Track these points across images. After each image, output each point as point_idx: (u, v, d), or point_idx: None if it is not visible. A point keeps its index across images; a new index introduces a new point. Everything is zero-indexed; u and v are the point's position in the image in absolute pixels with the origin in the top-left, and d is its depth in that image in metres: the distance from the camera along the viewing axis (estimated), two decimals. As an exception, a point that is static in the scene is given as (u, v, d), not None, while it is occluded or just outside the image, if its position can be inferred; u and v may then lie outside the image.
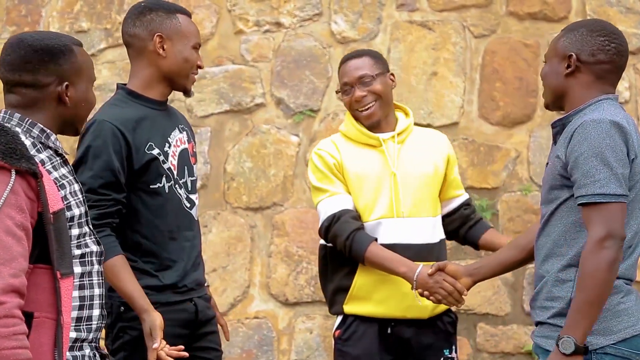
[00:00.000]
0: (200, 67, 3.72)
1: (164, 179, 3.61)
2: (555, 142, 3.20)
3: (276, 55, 5.59)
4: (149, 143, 3.60)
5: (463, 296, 3.77)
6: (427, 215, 3.96)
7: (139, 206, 3.59)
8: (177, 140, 3.71)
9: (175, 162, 3.67)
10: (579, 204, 3.03)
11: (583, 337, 2.98)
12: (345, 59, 4.06)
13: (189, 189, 3.71)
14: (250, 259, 5.52)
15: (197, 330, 3.71)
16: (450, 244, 5.41)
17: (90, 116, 3.10)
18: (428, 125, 5.30)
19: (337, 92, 4.11)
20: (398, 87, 5.37)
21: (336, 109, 5.50)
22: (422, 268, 3.78)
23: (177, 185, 3.66)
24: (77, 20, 5.81)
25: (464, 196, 4.12)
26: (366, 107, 3.95)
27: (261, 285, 5.50)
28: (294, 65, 5.56)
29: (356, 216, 3.90)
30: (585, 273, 2.98)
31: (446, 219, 4.09)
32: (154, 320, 3.43)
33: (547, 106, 3.30)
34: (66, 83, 2.78)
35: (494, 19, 5.43)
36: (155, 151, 3.60)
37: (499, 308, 5.29)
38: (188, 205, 3.70)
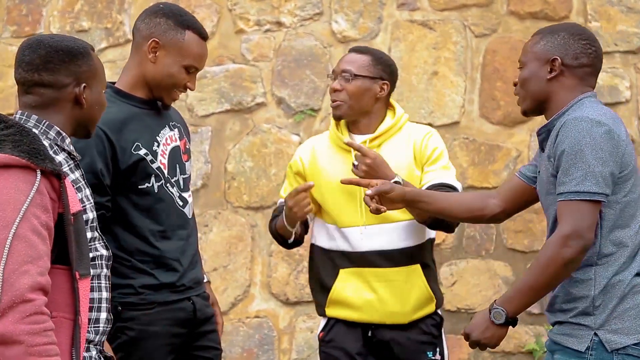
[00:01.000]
0: (189, 88, 3.65)
1: (153, 179, 3.57)
2: (542, 149, 3.19)
3: (277, 55, 5.59)
4: (136, 143, 3.55)
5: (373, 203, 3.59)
6: (404, 218, 3.91)
7: (128, 207, 3.55)
8: (167, 138, 3.66)
9: (165, 161, 3.62)
10: (557, 202, 3.04)
11: (514, 314, 3.08)
12: (350, 50, 4.07)
13: (182, 187, 3.68)
14: (251, 258, 5.52)
15: (195, 328, 3.69)
16: (449, 243, 5.41)
17: None
18: (428, 125, 5.29)
19: (327, 75, 4.19)
20: (399, 86, 5.38)
21: (337, 109, 5.50)
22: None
23: (168, 184, 3.62)
24: (78, 19, 5.81)
25: (430, 183, 3.92)
26: (335, 100, 3.95)
27: (262, 285, 5.50)
28: (294, 65, 5.56)
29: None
30: (541, 261, 3.01)
31: None
32: None
33: (525, 112, 3.24)
34: (84, 84, 2.80)
35: (494, 19, 5.43)
36: (142, 151, 3.56)
37: (499, 307, 5.30)
38: (181, 203, 3.66)
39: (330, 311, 3.97)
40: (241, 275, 5.51)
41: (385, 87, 3.97)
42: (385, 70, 4.00)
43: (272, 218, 4.10)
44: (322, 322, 4.04)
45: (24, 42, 2.85)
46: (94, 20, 5.79)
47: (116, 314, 3.55)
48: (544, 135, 3.16)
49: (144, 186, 3.56)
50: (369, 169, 3.81)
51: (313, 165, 4.00)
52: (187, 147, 3.76)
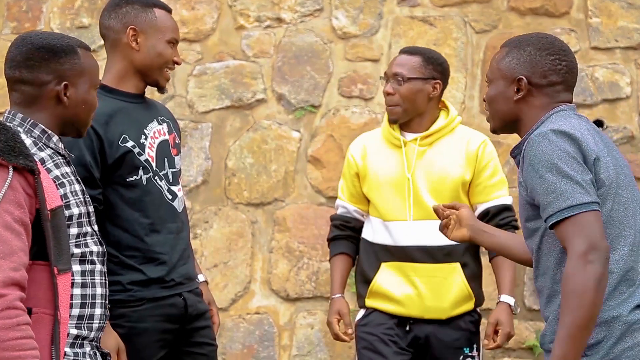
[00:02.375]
0: (176, 62, 3.67)
1: (140, 171, 3.57)
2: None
3: (277, 51, 5.59)
4: (123, 136, 3.55)
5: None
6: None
7: (116, 200, 3.54)
8: (155, 132, 3.66)
9: (153, 154, 3.62)
10: (549, 227, 2.71)
11: None
12: (401, 51, 4.14)
13: (170, 181, 3.67)
14: (251, 254, 5.52)
15: (187, 325, 3.67)
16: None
17: None
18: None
19: (380, 77, 4.26)
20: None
21: (337, 105, 5.50)
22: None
23: (156, 177, 3.62)
24: (78, 16, 5.81)
25: (486, 204, 4.04)
26: (390, 105, 4.02)
27: (262, 281, 5.50)
28: (295, 61, 5.56)
29: (343, 223, 4.17)
30: (571, 293, 2.63)
31: None
32: (114, 342, 3.41)
33: (495, 131, 2.97)
34: (65, 82, 2.79)
35: (495, 15, 5.43)
36: (130, 144, 3.56)
37: (500, 303, 5.29)
38: (170, 197, 3.65)
39: (370, 302, 4.04)
40: (241, 271, 5.51)
41: (437, 86, 4.03)
42: (437, 70, 4.03)
43: (333, 235, 4.22)
44: (361, 313, 4.08)
45: (14, 40, 2.85)
46: (94, 17, 5.78)
47: None
48: (518, 157, 2.88)
49: (132, 179, 3.56)
50: (508, 334, 4.02)
51: (365, 161, 4.08)
52: (177, 141, 3.76)
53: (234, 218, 5.54)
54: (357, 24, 5.53)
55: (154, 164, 3.61)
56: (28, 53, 2.78)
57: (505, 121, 2.93)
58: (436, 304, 3.96)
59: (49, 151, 2.81)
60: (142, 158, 3.58)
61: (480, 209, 4.05)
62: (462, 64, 5.43)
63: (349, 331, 4.08)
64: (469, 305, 4.03)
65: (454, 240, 3.25)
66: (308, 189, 5.45)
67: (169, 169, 3.67)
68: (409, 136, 4.03)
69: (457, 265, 3.99)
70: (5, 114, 2.81)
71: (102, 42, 5.76)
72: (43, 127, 2.80)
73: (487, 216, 4.04)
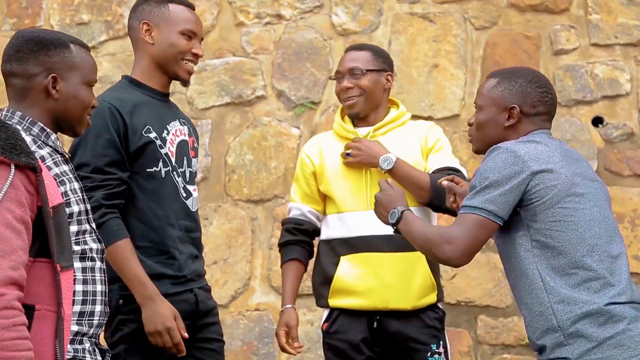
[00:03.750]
0: (196, 55, 3.74)
1: (160, 163, 3.62)
2: None
3: (277, 48, 5.58)
4: (147, 126, 3.61)
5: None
6: (409, 204, 3.93)
7: (135, 189, 3.58)
8: (177, 130, 3.72)
9: (173, 150, 3.67)
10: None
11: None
12: (347, 49, 4.18)
13: (187, 179, 3.72)
14: (251, 251, 5.52)
15: (198, 321, 3.71)
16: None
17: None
18: (429, 118, 5.30)
19: (330, 78, 4.25)
20: (399, 79, 5.37)
21: (337, 102, 5.48)
22: None
23: (174, 173, 3.66)
24: (78, 12, 5.80)
25: (433, 168, 4.02)
26: (349, 98, 4.04)
27: (262, 278, 5.50)
28: (294, 58, 5.56)
29: (296, 227, 4.12)
30: (427, 237, 3.11)
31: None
32: (168, 311, 3.46)
33: (478, 152, 3.29)
34: (53, 75, 2.79)
35: (495, 11, 5.42)
36: (152, 135, 3.62)
37: (499, 300, 5.29)
38: (184, 194, 3.69)
39: (334, 301, 4.00)
40: (241, 268, 5.51)
41: (390, 78, 4.10)
42: (387, 62, 4.12)
43: (284, 240, 4.18)
44: (325, 313, 4.06)
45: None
46: (94, 13, 5.78)
47: (117, 307, 3.55)
48: None
49: (152, 170, 3.61)
50: (362, 152, 3.94)
51: (320, 159, 4.09)
52: (195, 145, 3.83)
53: (233, 215, 5.54)
54: (357, 21, 5.52)
55: (173, 159, 3.67)
56: (18, 46, 2.80)
57: (490, 144, 3.19)
58: (401, 294, 3.91)
59: (48, 149, 2.81)
60: (162, 151, 3.63)
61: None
62: (462, 60, 5.43)
63: (295, 344, 4.05)
64: (432, 298, 3.99)
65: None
66: (308, 186, 5.45)
67: (187, 167, 3.73)
68: (363, 130, 4.06)
69: (420, 254, 3.97)
70: (4, 112, 2.82)
71: (101, 38, 5.79)
72: (42, 125, 2.80)
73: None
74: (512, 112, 3.17)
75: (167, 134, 3.67)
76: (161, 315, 3.47)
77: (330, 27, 5.55)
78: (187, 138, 3.76)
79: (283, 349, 4.05)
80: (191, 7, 3.80)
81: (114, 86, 3.78)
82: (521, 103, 3.17)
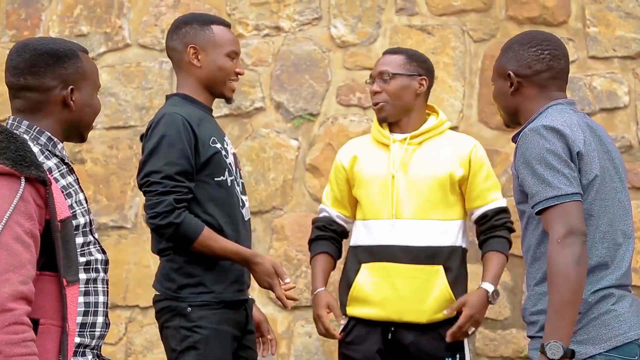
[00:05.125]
0: (239, 73, 3.89)
1: (226, 173, 3.76)
2: None
3: (275, 60, 5.59)
4: (212, 137, 3.75)
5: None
6: (435, 218, 3.95)
7: (205, 199, 3.71)
8: (229, 142, 3.88)
9: (232, 161, 3.83)
10: (536, 214, 3.02)
11: (568, 339, 2.90)
12: (384, 52, 4.19)
13: (241, 190, 3.86)
14: (249, 262, 5.51)
15: (244, 331, 3.85)
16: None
17: (150, 118, 3.16)
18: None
19: (365, 82, 4.29)
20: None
21: (335, 113, 5.50)
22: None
23: (235, 182, 3.81)
24: (77, 24, 5.81)
25: (483, 208, 4.08)
26: (377, 103, 4.03)
27: (260, 289, 5.50)
28: (293, 70, 5.57)
29: (326, 225, 4.17)
30: (554, 273, 2.90)
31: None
32: (268, 264, 3.63)
33: (507, 125, 3.34)
34: (71, 87, 2.80)
35: (493, 24, 5.44)
36: (218, 145, 3.76)
37: (498, 312, 5.29)
38: (240, 204, 3.82)
39: (351, 310, 4.01)
40: (240, 279, 5.51)
41: (424, 82, 4.08)
42: (421, 66, 4.10)
43: (314, 235, 4.23)
44: (343, 322, 4.06)
45: (13, 47, 2.86)
46: (93, 25, 5.79)
47: (185, 315, 3.67)
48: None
49: (220, 179, 3.74)
50: (475, 313, 4.00)
51: (354, 165, 4.11)
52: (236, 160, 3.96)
53: (232, 226, 5.54)
54: (355, 33, 5.53)
55: (233, 169, 3.81)
56: (32, 59, 2.78)
57: (509, 114, 3.26)
58: (415, 307, 3.91)
59: (55, 160, 2.81)
60: (227, 160, 3.78)
61: (478, 213, 4.07)
62: (460, 72, 5.43)
63: (342, 322, 4.03)
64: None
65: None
66: (306, 197, 5.45)
67: (240, 179, 3.87)
68: (398, 136, 4.05)
69: (440, 268, 3.95)
70: (9, 121, 2.81)
71: (100, 50, 5.80)
72: (49, 134, 2.80)
73: (485, 219, 4.06)
74: (510, 78, 3.21)
75: (227, 145, 3.82)
76: (266, 273, 3.65)
77: (329, 39, 5.56)
78: (234, 151, 3.92)
79: (327, 332, 4.01)
80: (227, 24, 3.93)
81: (169, 102, 3.86)
82: (516, 67, 3.20)
